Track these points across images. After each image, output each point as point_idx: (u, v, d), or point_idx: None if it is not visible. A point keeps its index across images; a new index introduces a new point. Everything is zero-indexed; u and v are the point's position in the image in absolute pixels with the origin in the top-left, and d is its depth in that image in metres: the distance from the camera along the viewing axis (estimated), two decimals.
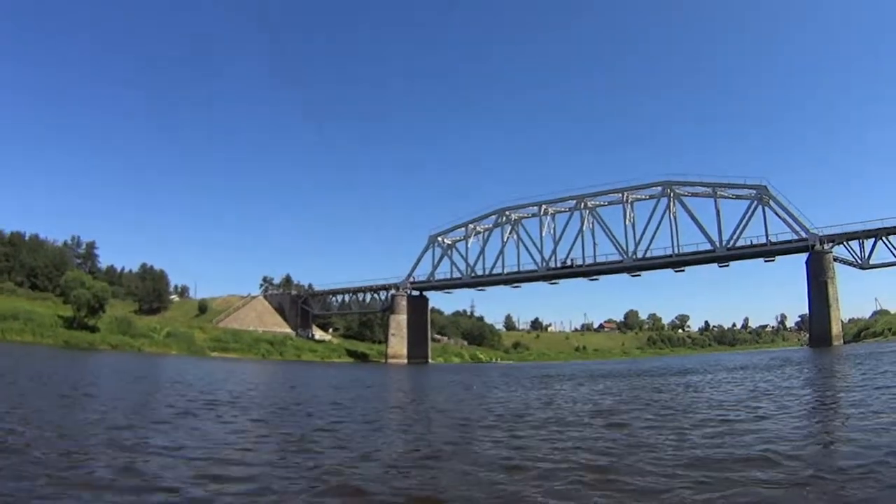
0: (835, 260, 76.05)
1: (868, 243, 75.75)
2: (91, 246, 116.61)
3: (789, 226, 79.02)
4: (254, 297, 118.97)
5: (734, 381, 24.35)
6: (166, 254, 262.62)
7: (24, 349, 52.56)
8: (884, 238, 74.97)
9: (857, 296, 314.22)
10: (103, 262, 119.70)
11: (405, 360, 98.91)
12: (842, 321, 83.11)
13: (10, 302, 76.73)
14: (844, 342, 77.53)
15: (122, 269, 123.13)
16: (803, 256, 77.83)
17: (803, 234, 77.54)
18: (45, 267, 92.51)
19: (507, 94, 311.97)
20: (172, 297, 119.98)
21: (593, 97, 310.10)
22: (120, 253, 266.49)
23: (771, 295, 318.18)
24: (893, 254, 74.61)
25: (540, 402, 17.96)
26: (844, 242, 76.88)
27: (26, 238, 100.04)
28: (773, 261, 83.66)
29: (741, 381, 24.26)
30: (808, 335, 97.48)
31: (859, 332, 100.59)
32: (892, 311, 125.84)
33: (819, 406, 15.06)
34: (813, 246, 76.05)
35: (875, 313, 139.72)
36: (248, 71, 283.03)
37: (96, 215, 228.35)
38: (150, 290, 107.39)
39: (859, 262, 76.10)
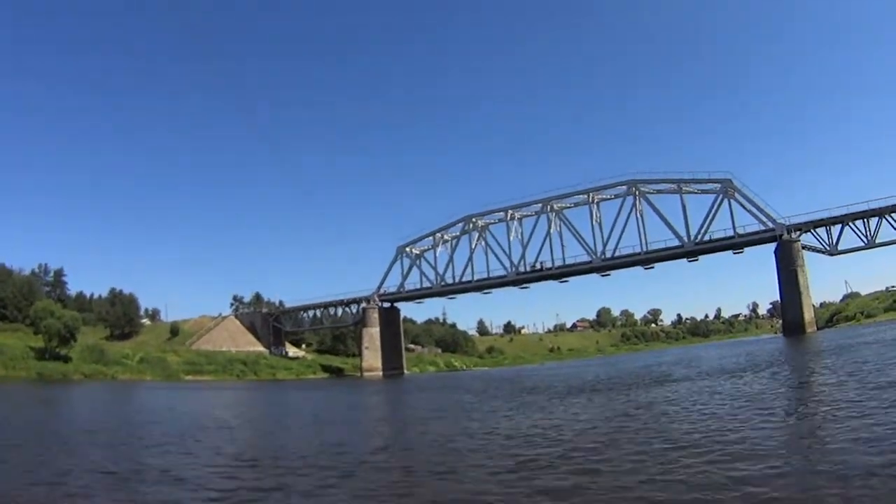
0: (803, 248, 77.13)
1: (835, 230, 76.98)
2: (59, 273, 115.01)
3: (756, 217, 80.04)
4: (225, 317, 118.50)
5: (721, 394, 21.83)
6: (135, 277, 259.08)
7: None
8: (850, 224, 76.26)
9: (826, 279, 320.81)
10: (72, 289, 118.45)
11: (380, 373, 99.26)
12: (814, 306, 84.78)
13: None
14: (818, 328, 79.04)
15: (92, 294, 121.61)
16: (772, 246, 78.85)
17: (770, 225, 78.54)
18: (13, 297, 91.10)
19: (467, 101, 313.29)
20: (144, 320, 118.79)
21: (555, 100, 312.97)
22: (88, 278, 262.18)
23: (742, 284, 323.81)
24: (860, 238, 76.01)
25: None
26: (812, 230, 77.87)
27: None
28: (741, 252, 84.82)
29: (730, 395, 21.23)
30: (781, 322, 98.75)
31: (832, 316, 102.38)
32: (863, 294, 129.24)
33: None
34: (781, 236, 77.08)
35: (846, 296, 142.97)
36: (206, 89, 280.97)
37: (62, 241, 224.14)
38: (120, 315, 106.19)
39: (827, 248, 77.29)
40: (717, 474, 9.45)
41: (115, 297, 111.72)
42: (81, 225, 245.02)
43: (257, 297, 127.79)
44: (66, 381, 66.45)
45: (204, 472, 12.47)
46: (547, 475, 10.73)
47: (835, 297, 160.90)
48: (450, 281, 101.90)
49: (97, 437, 19.05)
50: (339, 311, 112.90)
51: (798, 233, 77.73)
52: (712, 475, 9.47)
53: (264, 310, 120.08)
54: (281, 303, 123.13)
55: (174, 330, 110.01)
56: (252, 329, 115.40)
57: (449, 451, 13.99)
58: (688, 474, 9.62)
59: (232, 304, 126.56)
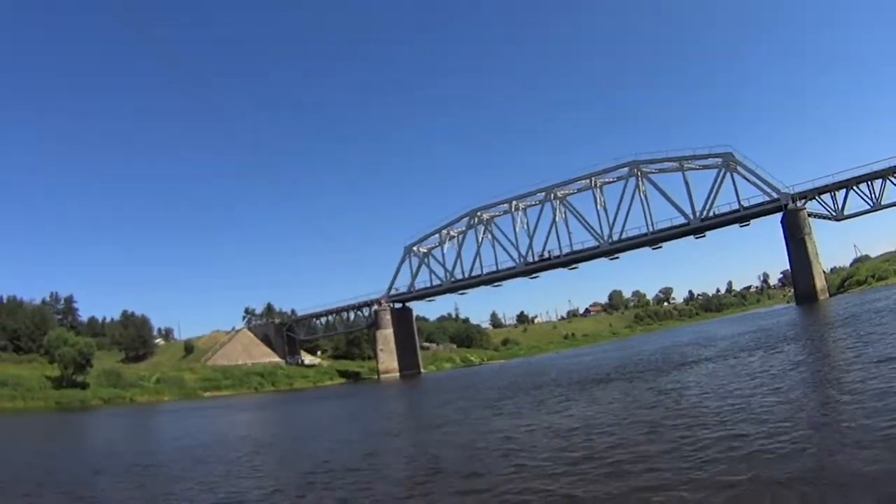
0: (809, 216, 76.63)
1: (840, 195, 76.59)
2: (70, 300, 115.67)
3: (760, 188, 79.73)
4: (239, 331, 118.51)
5: (747, 375, 20.62)
6: (146, 298, 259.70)
7: (15, 420, 52.22)
8: (855, 187, 75.87)
9: (835, 244, 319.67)
10: (84, 314, 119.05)
11: (397, 374, 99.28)
12: (824, 272, 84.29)
13: None
14: (830, 294, 78.57)
15: (104, 318, 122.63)
16: (778, 216, 78.32)
17: (775, 195, 78.09)
18: (26, 328, 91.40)
19: (463, 97, 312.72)
20: (157, 340, 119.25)
21: (552, 86, 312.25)
22: (100, 302, 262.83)
23: (751, 257, 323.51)
24: (866, 201, 75.61)
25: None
26: (817, 197, 77.48)
27: (4, 300, 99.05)
28: (747, 225, 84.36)
29: (757, 377, 19.83)
30: (792, 291, 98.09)
31: (843, 281, 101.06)
32: (872, 256, 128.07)
33: None
34: (786, 205, 76.65)
35: (856, 260, 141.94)
36: (209, 99, 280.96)
37: (71, 268, 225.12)
38: (134, 337, 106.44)
39: (833, 214, 76.93)
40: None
41: (128, 320, 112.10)
42: (89, 250, 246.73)
43: (269, 308, 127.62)
44: (86, 409, 66.58)
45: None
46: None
47: (845, 261, 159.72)
48: (459, 276, 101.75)
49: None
50: (352, 315, 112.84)
51: (803, 201, 77.18)
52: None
53: (277, 320, 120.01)
54: (293, 311, 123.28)
55: (188, 347, 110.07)
56: (266, 340, 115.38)
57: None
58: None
59: (244, 317, 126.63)
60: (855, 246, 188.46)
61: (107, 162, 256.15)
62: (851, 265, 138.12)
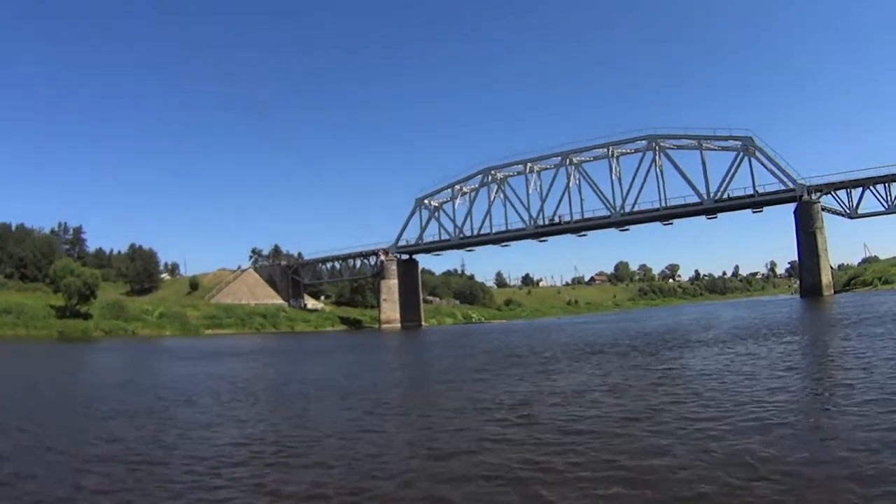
0: (823, 210, 76.35)
1: (856, 193, 76.05)
2: (78, 231, 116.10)
3: (776, 176, 79.28)
4: (244, 270, 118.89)
5: (755, 364, 19.19)
6: (155, 232, 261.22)
7: (18, 346, 52.64)
8: (871, 187, 75.34)
9: (845, 241, 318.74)
10: (91, 246, 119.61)
11: (398, 325, 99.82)
12: (832, 268, 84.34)
13: (1, 296, 76.76)
14: (835, 291, 78.47)
15: (111, 250, 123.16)
16: (791, 206, 78.21)
17: (790, 185, 77.68)
18: (33, 256, 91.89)
19: (488, 53, 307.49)
20: (163, 275, 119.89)
21: (577, 53, 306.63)
22: (108, 234, 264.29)
23: (760, 243, 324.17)
24: (881, 203, 74.96)
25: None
26: (832, 192, 76.95)
27: (12, 228, 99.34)
28: (760, 211, 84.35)
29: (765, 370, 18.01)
30: (798, 282, 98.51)
31: (849, 280, 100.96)
32: (881, 258, 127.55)
33: None
34: (801, 196, 76.27)
35: (864, 260, 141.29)
36: (226, 46, 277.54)
37: (81, 198, 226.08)
38: (140, 271, 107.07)
39: (847, 211, 76.40)
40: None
41: (135, 253, 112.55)
42: (100, 181, 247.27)
43: (276, 250, 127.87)
44: (87, 339, 67.06)
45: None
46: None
47: (853, 259, 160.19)
48: (468, 233, 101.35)
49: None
50: (358, 263, 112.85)
51: (818, 194, 76.77)
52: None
53: (283, 262, 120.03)
54: (300, 255, 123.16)
55: (193, 284, 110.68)
56: (271, 282, 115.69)
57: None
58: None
59: (251, 257, 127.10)
60: (865, 245, 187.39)
61: (124, 92, 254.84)
62: (859, 264, 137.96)
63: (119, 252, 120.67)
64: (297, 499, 8.04)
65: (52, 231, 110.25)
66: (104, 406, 16.75)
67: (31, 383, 24.03)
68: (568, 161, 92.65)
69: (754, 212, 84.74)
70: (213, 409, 16.22)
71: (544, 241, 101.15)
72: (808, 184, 77.01)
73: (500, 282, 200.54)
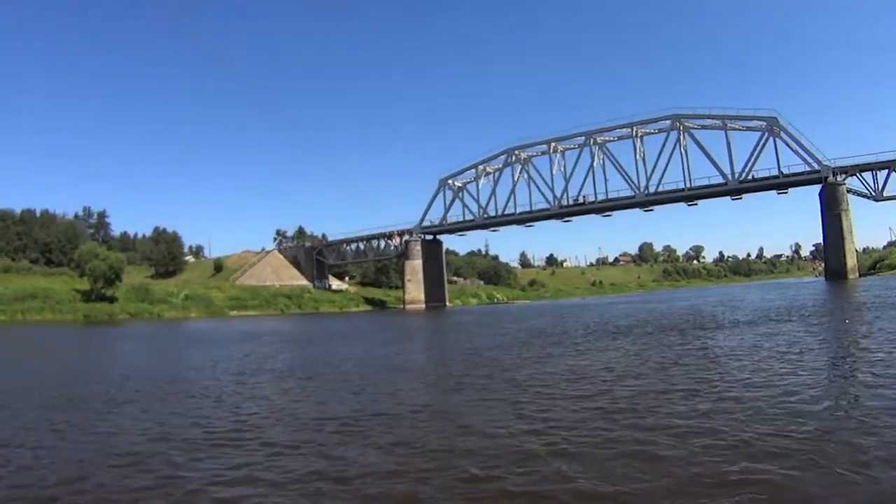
0: (848, 192, 75.01)
1: (882, 175, 74.47)
2: (102, 215, 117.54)
3: (801, 157, 77.89)
4: (269, 252, 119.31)
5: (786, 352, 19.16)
6: (179, 215, 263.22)
7: (47, 331, 52.73)
8: None
9: (871, 224, 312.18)
10: (116, 229, 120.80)
11: (423, 306, 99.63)
12: (857, 251, 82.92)
13: (27, 280, 77.78)
14: (860, 275, 77.09)
15: (136, 234, 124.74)
16: (816, 188, 76.92)
17: (816, 166, 76.29)
18: (58, 241, 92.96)
19: (511, 32, 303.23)
20: (188, 258, 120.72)
21: (598, 31, 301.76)
22: (132, 218, 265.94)
23: (785, 225, 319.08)
24: None
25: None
26: (858, 174, 75.53)
27: (37, 214, 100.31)
28: (785, 193, 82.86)
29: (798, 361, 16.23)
30: (823, 265, 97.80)
31: (874, 263, 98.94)
32: None
33: None
34: (826, 178, 74.94)
35: (889, 243, 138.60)
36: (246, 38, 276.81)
37: (105, 182, 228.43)
38: (164, 254, 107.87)
39: (873, 193, 74.96)
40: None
41: (159, 236, 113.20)
42: (124, 164, 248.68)
43: (300, 231, 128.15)
44: (113, 322, 67.37)
45: None
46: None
47: (878, 242, 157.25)
48: (492, 213, 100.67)
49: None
50: (382, 243, 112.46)
51: (843, 176, 75.46)
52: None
53: (307, 243, 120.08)
54: (324, 236, 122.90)
55: (218, 266, 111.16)
56: (295, 263, 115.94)
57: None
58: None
59: (275, 239, 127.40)
60: (890, 229, 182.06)
61: (143, 76, 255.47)
62: (885, 248, 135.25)
63: (143, 236, 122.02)
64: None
65: (77, 216, 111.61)
66: (183, 386, 16.79)
67: (109, 367, 23.84)
68: (592, 141, 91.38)
69: (779, 193, 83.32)
70: (288, 386, 16.49)
71: (568, 221, 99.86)
72: (833, 165, 75.54)
73: (525, 262, 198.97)
